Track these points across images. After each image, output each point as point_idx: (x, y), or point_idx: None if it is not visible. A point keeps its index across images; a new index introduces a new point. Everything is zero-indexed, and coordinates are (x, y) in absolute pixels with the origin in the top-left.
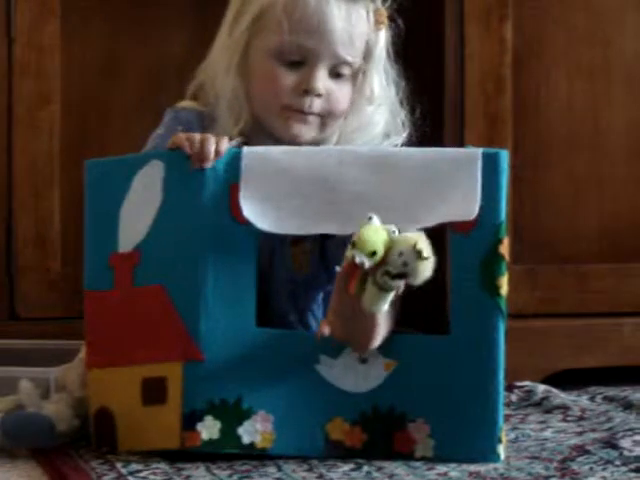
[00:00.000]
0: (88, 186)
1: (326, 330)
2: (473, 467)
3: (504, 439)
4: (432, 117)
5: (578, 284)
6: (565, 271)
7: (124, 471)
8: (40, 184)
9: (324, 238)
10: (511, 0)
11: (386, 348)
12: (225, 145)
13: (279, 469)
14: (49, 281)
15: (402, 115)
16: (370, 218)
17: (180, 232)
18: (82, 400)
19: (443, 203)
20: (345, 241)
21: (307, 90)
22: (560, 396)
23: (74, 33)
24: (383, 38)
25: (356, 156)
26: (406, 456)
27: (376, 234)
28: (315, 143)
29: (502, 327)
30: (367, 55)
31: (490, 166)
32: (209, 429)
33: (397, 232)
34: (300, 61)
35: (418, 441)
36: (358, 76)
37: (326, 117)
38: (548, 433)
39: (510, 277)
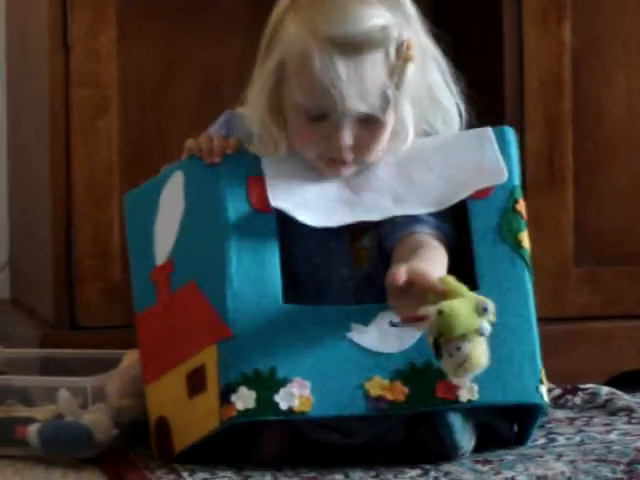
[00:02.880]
0: (127, 216)
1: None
2: (540, 471)
3: (545, 381)
4: (492, 121)
5: None
6: (627, 272)
7: (189, 479)
8: (99, 193)
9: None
10: (569, 1)
11: None
12: (232, 140)
13: (346, 476)
14: (109, 290)
15: (455, 109)
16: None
17: (203, 227)
18: (121, 409)
19: (470, 177)
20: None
21: (336, 145)
22: (624, 398)
23: (130, 41)
24: (412, 71)
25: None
26: (450, 402)
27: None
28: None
29: (528, 277)
30: (391, 96)
31: (500, 139)
32: (244, 399)
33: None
34: (323, 116)
35: (461, 386)
36: (388, 115)
37: (361, 158)
38: (613, 436)
39: (572, 279)
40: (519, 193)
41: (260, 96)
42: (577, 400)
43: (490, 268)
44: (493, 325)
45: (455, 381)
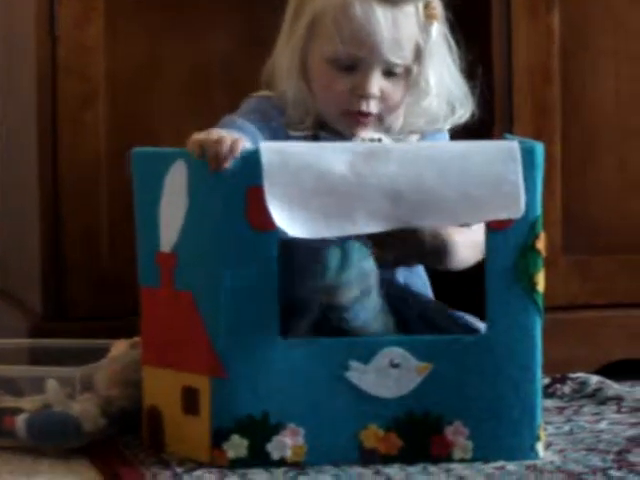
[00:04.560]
0: (135, 175)
1: None
2: (530, 460)
3: (543, 436)
4: (481, 109)
5: (630, 274)
6: (617, 261)
7: (179, 470)
8: (87, 184)
9: None
10: None
11: (419, 351)
12: (240, 145)
13: (336, 465)
14: (97, 281)
15: (465, 90)
16: None
17: (202, 239)
18: (109, 399)
19: (485, 199)
20: None
21: (362, 95)
22: (614, 387)
23: (118, 32)
24: (436, 31)
25: (388, 151)
26: (444, 459)
27: None
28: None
29: (539, 324)
30: (420, 51)
31: (526, 160)
32: (236, 448)
33: None
34: (354, 65)
35: (455, 444)
36: (413, 70)
37: (383, 114)
38: (603, 425)
39: (561, 268)
40: (540, 226)
41: (292, 60)
42: (566, 389)
43: (501, 313)
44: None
45: None
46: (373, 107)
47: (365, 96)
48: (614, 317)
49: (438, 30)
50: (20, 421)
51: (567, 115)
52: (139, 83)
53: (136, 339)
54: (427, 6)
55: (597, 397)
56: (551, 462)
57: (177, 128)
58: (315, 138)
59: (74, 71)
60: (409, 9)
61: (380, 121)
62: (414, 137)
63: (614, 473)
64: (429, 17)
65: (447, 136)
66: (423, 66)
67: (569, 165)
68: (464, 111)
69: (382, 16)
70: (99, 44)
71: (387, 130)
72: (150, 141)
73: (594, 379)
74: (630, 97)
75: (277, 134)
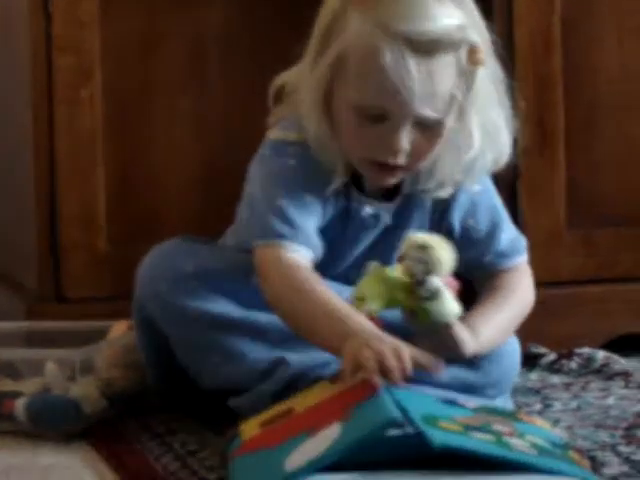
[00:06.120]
0: None
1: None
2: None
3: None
4: None
5: (635, 247)
6: (622, 234)
7: (181, 452)
8: (83, 162)
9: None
10: None
11: None
12: (405, 354)
13: None
14: (95, 261)
15: (511, 136)
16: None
17: None
18: (109, 381)
19: None
20: None
21: (390, 148)
22: (620, 362)
23: (112, 8)
24: (481, 77)
25: None
26: None
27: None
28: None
29: None
30: (459, 102)
31: None
32: None
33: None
34: (382, 116)
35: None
36: (449, 120)
37: (412, 166)
38: (611, 400)
39: (565, 243)
40: None
41: (316, 95)
42: (573, 365)
43: None
44: None
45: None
46: (401, 160)
47: (393, 151)
48: (620, 291)
49: (483, 76)
50: (19, 405)
51: (570, 86)
52: (135, 58)
53: None
54: (471, 51)
55: (604, 372)
56: (561, 439)
57: (173, 104)
58: (347, 195)
59: (69, 47)
60: (449, 57)
61: (408, 172)
62: (446, 190)
63: (623, 449)
64: (473, 64)
65: (489, 183)
66: (464, 119)
67: (572, 137)
68: (507, 157)
69: (415, 68)
70: (94, 19)
71: (415, 177)
72: (146, 118)
73: (601, 354)
74: (633, 68)
75: (321, 196)
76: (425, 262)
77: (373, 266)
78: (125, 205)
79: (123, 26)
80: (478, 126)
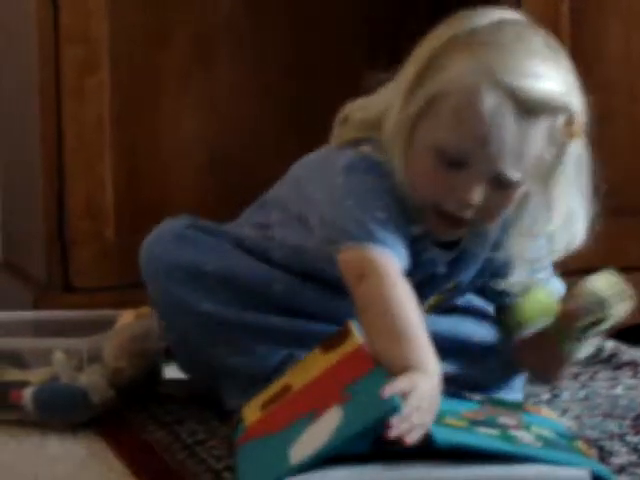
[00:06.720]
0: None
1: None
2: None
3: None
4: None
5: None
6: (630, 224)
7: (189, 441)
8: (91, 152)
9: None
10: None
11: None
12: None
13: None
14: (102, 250)
15: (583, 222)
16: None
17: None
18: (117, 371)
19: None
20: None
21: (461, 200)
22: (629, 352)
23: None
24: (574, 151)
25: None
26: None
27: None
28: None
29: None
30: (543, 170)
31: None
32: None
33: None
34: (461, 164)
35: None
36: (524, 184)
37: (479, 222)
38: (619, 390)
39: None
40: None
41: (405, 132)
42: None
43: None
44: None
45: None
46: (469, 214)
47: (463, 202)
48: (628, 280)
49: (577, 150)
50: (27, 394)
51: (578, 77)
52: (143, 48)
53: (143, 309)
54: (569, 122)
55: (612, 362)
56: (567, 428)
57: (180, 93)
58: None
59: (76, 37)
60: (546, 121)
61: (473, 228)
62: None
63: (631, 439)
64: (569, 135)
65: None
66: (547, 190)
67: None
68: (579, 244)
69: (512, 124)
70: (102, 9)
71: (480, 237)
72: (153, 108)
73: (609, 344)
74: None
75: (408, 233)
76: (598, 319)
77: (539, 291)
78: (132, 194)
79: (131, 15)
80: (561, 202)
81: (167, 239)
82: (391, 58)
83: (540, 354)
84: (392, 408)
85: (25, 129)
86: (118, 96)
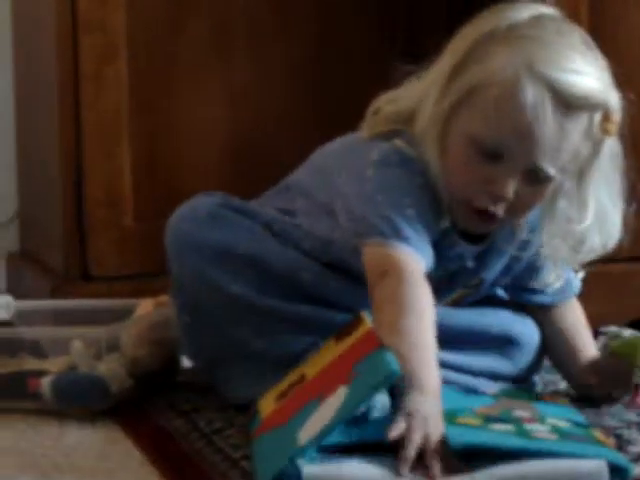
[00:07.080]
0: None
1: None
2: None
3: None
4: None
5: None
6: None
7: (207, 430)
8: (109, 141)
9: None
10: None
11: None
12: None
13: None
14: (120, 239)
15: (618, 219)
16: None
17: None
18: (135, 360)
19: None
20: None
21: (495, 195)
22: None
23: None
24: (608, 148)
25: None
26: None
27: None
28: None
29: None
30: (578, 165)
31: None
32: None
33: None
34: (497, 156)
35: None
36: (558, 179)
37: (511, 217)
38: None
39: None
40: None
41: (440, 125)
42: (599, 343)
43: None
44: None
45: None
46: (501, 210)
47: (497, 197)
48: None
49: (611, 147)
50: (45, 383)
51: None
52: (160, 36)
53: (162, 298)
54: (606, 118)
55: None
56: (586, 417)
57: (198, 80)
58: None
59: (95, 26)
60: (583, 117)
61: (504, 223)
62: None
63: None
64: (604, 132)
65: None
66: (581, 187)
67: None
68: (616, 242)
69: (552, 117)
70: None
71: (510, 233)
72: (171, 96)
73: (627, 332)
74: None
75: (434, 226)
76: None
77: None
78: (151, 182)
79: (149, 3)
80: (593, 200)
81: (201, 216)
82: (408, 44)
83: (609, 377)
84: (391, 373)
85: (44, 118)
86: (136, 84)
